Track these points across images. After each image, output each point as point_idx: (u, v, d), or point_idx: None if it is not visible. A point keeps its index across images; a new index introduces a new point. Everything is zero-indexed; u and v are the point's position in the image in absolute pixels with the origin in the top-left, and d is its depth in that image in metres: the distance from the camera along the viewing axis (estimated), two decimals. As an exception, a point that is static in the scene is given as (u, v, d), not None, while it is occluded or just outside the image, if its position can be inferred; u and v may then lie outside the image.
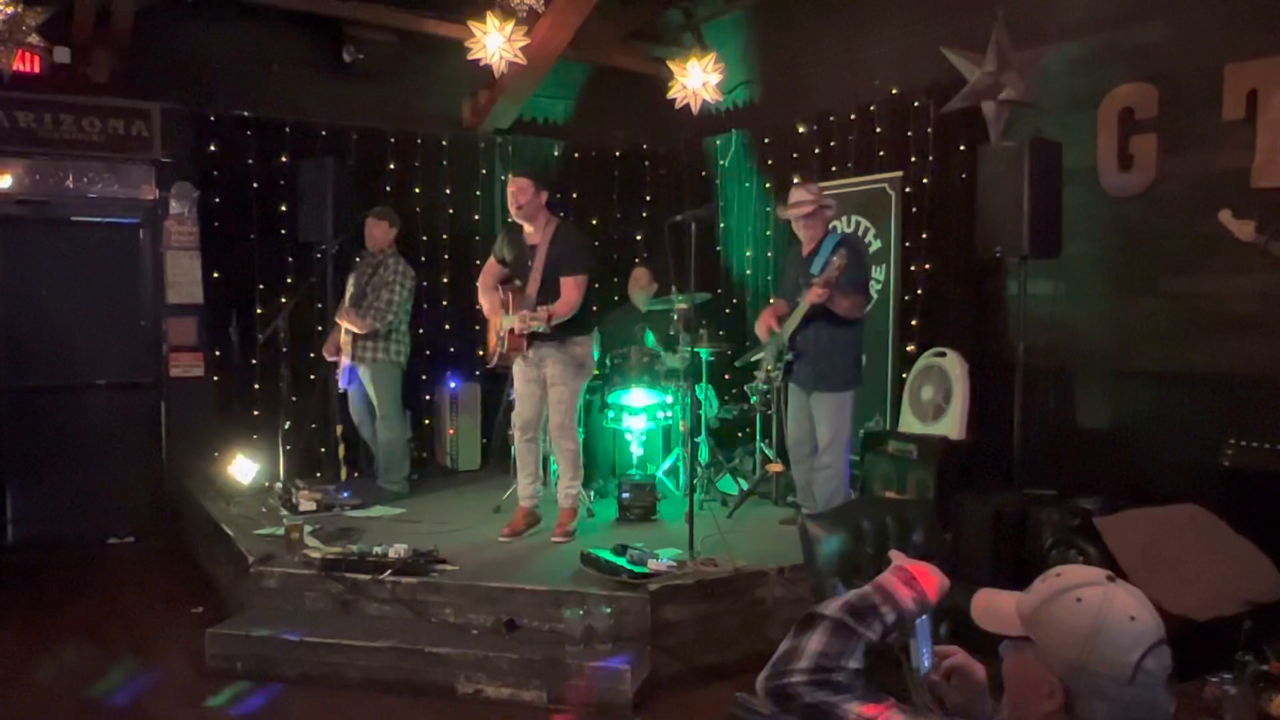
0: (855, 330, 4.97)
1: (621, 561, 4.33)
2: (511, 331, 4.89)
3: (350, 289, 5.94)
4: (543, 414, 5.14)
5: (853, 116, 6.32)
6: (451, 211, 7.24)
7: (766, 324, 5.16)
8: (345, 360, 5.88)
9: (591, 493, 5.81)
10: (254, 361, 6.49)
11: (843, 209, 6.07)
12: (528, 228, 5.02)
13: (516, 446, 5.29)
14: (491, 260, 5.23)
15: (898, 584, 1.61)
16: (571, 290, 4.87)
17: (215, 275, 6.57)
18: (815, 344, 4.92)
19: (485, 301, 5.17)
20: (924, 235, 5.90)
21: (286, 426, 5.95)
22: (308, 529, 4.93)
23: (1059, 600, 1.44)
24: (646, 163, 7.94)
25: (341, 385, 5.98)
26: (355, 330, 5.80)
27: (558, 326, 4.86)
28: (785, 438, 5.31)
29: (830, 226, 5.12)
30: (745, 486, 5.91)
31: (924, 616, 1.63)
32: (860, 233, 6.14)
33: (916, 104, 5.87)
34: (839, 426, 4.93)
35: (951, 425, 5.33)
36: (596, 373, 6.44)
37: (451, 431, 7.07)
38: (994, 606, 1.53)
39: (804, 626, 1.54)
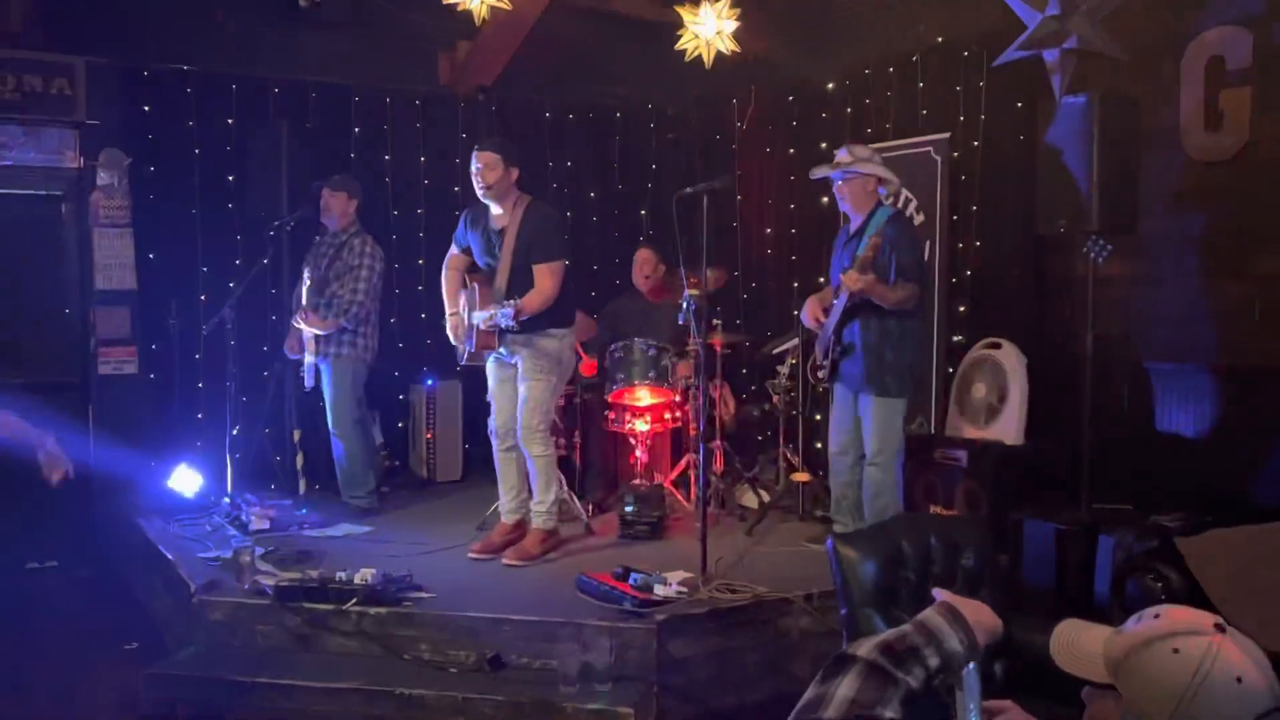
0: (909, 324, 4.93)
1: (623, 587, 4.31)
2: (478, 328, 4.89)
3: (307, 279, 5.89)
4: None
5: (891, 70, 6.30)
6: (427, 182, 7.24)
7: (813, 313, 5.14)
8: (310, 358, 5.87)
9: (590, 505, 5.80)
10: (197, 357, 6.49)
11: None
12: (495, 210, 5.01)
13: (495, 456, 5.28)
14: (453, 249, 5.22)
15: (943, 623, 1.59)
16: (546, 279, 4.87)
17: (150, 257, 6.57)
18: (863, 338, 4.89)
19: (449, 300, 5.16)
20: (974, 207, 5.89)
21: (235, 432, 5.95)
22: (260, 551, 4.92)
23: (1153, 648, 1.41)
24: (652, 125, 7.94)
25: (308, 384, 5.97)
26: (318, 332, 5.78)
27: (532, 317, 4.85)
28: (828, 444, 5.28)
29: (884, 199, 5.06)
30: (766, 499, 5.89)
31: (971, 665, 1.61)
32: (899, 205, 6.11)
33: (966, 54, 5.85)
34: (888, 437, 4.92)
35: (1007, 429, 5.32)
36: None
37: (429, 436, 7.07)
38: (1076, 644, 1.51)
39: (833, 670, 1.53)
